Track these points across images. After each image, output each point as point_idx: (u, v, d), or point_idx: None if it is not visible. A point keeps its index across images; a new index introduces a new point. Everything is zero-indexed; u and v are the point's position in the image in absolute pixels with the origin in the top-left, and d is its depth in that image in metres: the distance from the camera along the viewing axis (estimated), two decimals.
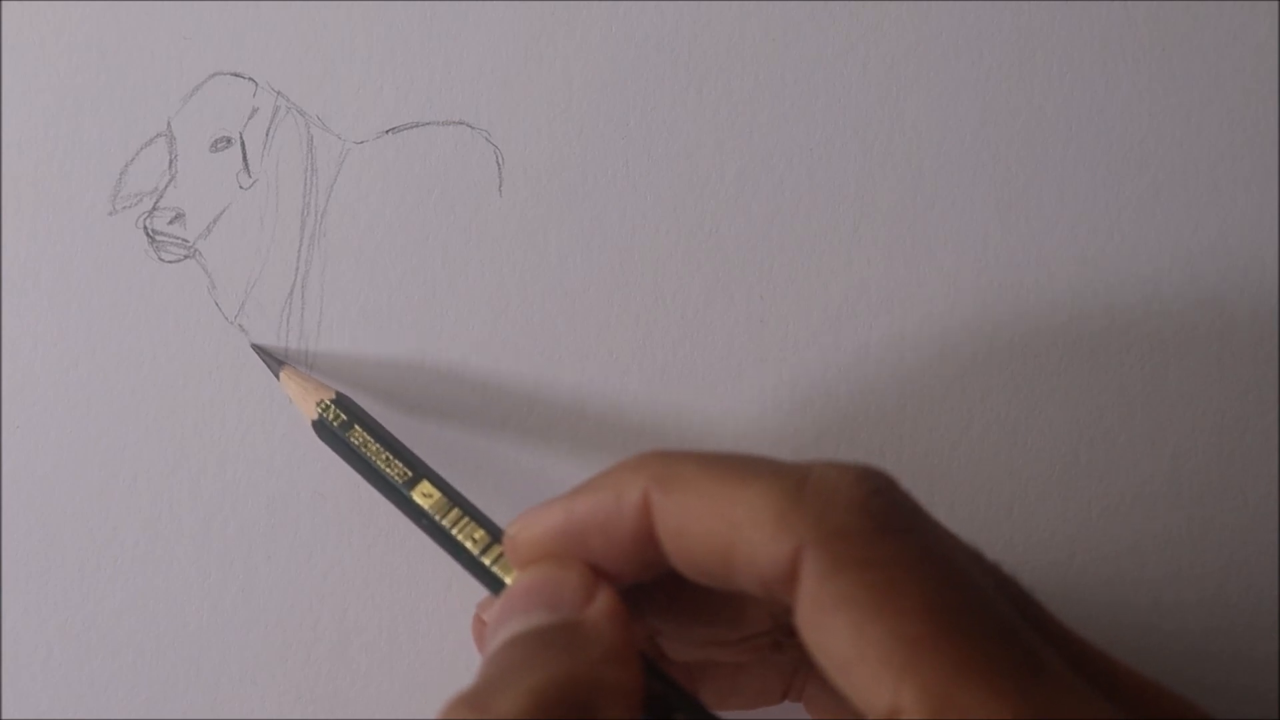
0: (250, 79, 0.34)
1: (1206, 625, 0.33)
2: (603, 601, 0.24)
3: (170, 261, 0.34)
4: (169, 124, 0.34)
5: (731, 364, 0.33)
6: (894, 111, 0.34)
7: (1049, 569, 0.33)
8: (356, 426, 0.30)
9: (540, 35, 0.34)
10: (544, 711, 0.21)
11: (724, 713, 0.26)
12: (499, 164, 0.34)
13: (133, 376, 0.33)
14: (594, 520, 0.24)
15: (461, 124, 0.34)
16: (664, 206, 0.34)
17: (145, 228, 0.34)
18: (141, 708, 0.33)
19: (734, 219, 0.34)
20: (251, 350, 0.33)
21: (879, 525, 0.21)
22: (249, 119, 0.34)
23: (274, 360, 0.33)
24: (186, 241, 0.34)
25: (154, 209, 0.34)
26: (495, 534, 0.27)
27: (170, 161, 0.34)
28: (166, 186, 0.34)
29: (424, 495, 0.28)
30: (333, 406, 0.30)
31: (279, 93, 0.34)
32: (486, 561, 0.27)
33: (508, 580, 0.26)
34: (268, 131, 0.34)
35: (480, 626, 0.29)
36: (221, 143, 0.34)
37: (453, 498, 0.28)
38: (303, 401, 0.31)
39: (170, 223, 0.34)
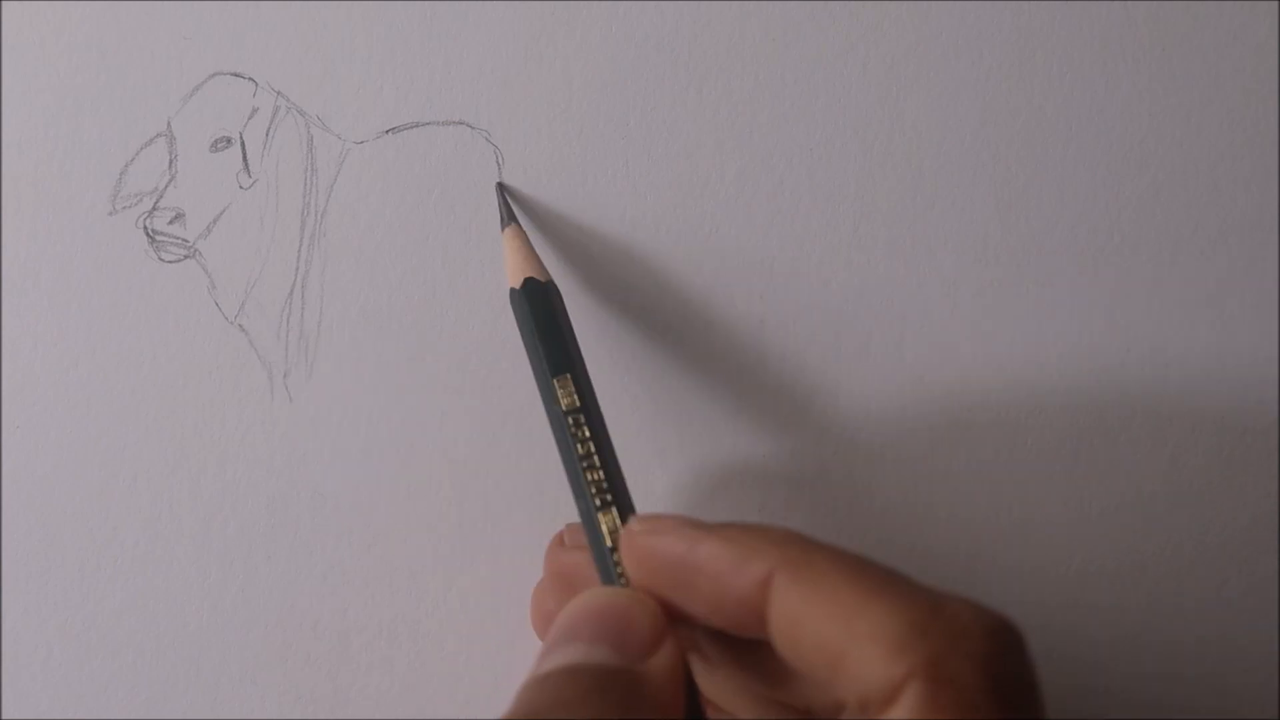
0: (250, 79, 0.34)
1: (1206, 625, 0.33)
2: (665, 656, 0.24)
3: (170, 261, 0.34)
4: (169, 124, 0.34)
5: (732, 364, 0.33)
6: (894, 111, 0.34)
7: (1049, 569, 0.33)
8: (558, 319, 0.30)
9: (540, 35, 0.34)
10: None
11: None
12: (499, 164, 0.34)
13: (133, 376, 0.33)
14: (712, 568, 0.24)
15: (461, 124, 0.34)
16: (664, 206, 0.34)
17: (145, 228, 0.34)
18: (141, 708, 0.33)
19: (734, 219, 0.34)
20: (251, 350, 0.33)
21: (993, 688, 0.21)
22: (249, 119, 0.34)
23: (508, 212, 0.32)
24: (186, 241, 0.34)
25: (154, 209, 0.34)
26: (623, 504, 0.27)
27: (170, 161, 0.34)
28: (166, 186, 0.34)
29: (578, 425, 0.28)
30: (551, 287, 0.30)
31: (279, 93, 0.34)
32: (604, 529, 0.27)
33: (608, 542, 0.26)
34: (268, 131, 0.34)
35: (559, 548, 0.30)
36: (221, 143, 0.34)
37: (604, 447, 0.28)
38: (518, 266, 0.30)
39: (170, 223, 0.34)
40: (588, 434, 0.28)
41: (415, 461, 0.33)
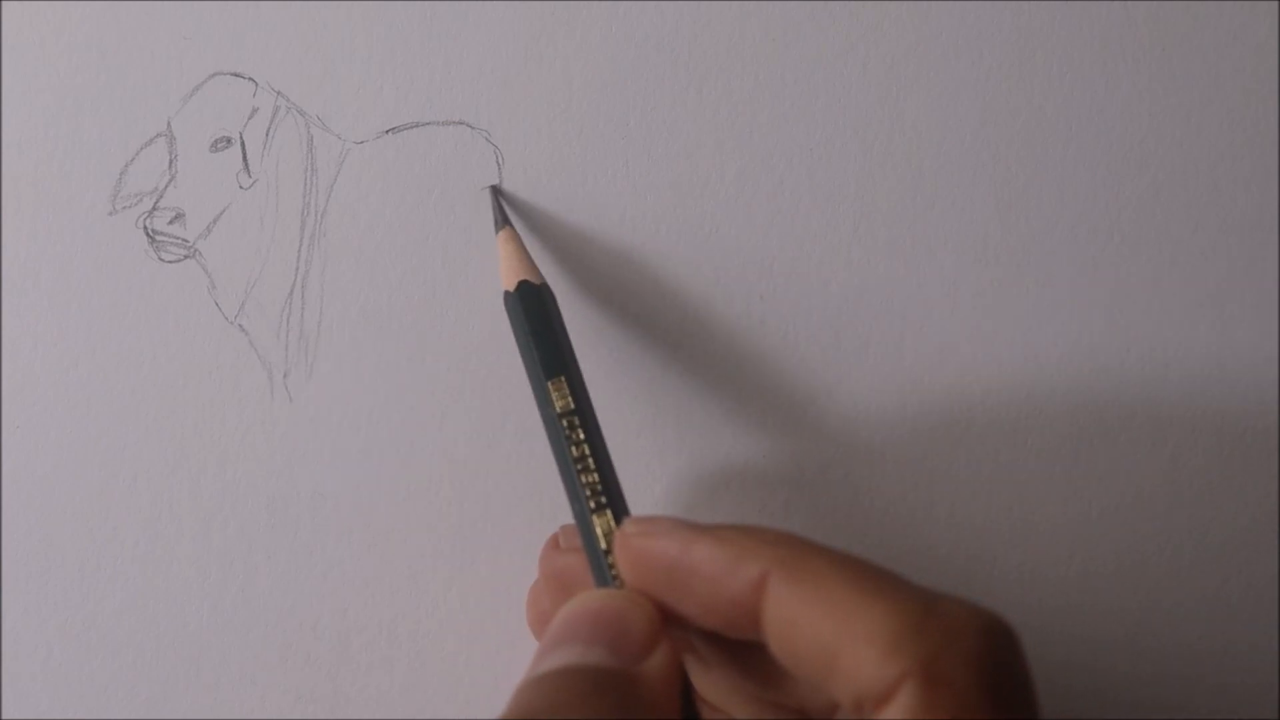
0: (250, 79, 0.34)
1: (1206, 625, 0.33)
2: (661, 658, 0.24)
3: (170, 261, 0.34)
4: (169, 124, 0.34)
5: (732, 364, 0.33)
6: (894, 111, 0.34)
7: (1049, 569, 0.33)
8: (552, 321, 0.30)
9: (540, 35, 0.34)
10: None
11: None
12: (499, 164, 0.34)
13: (133, 376, 0.33)
14: (706, 570, 0.24)
15: (461, 124, 0.34)
16: (664, 206, 0.34)
17: (145, 228, 0.34)
18: (141, 708, 0.33)
19: (734, 219, 0.34)
20: (251, 350, 0.33)
21: (988, 687, 0.21)
22: (249, 119, 0.34)
23: (501, 215, 0.32)
24: (186, 241, 0.34)
25: (154, 209, 0.34)
26: (617, 506, 0.27)
27: (170, 161, 0.34)
28: (166, 186, 0.34)
29: (573, 427, 0.28)
30: (545, 290, 0.30)
31: (279, 93, 0.34)
32: (598, 532, 0.27)
33: (603, 544, 0.26)
34: (268, 131, 0.34)
35: (553, 549, 0.30)
36: (221, 143, 0.34)
37: (598, 449, 0.28)
38: (511, 269, 0.30)
39: (170, 223, 0.34)
40: (582, 436, 0.28)
41: (415, 461, 0.33)
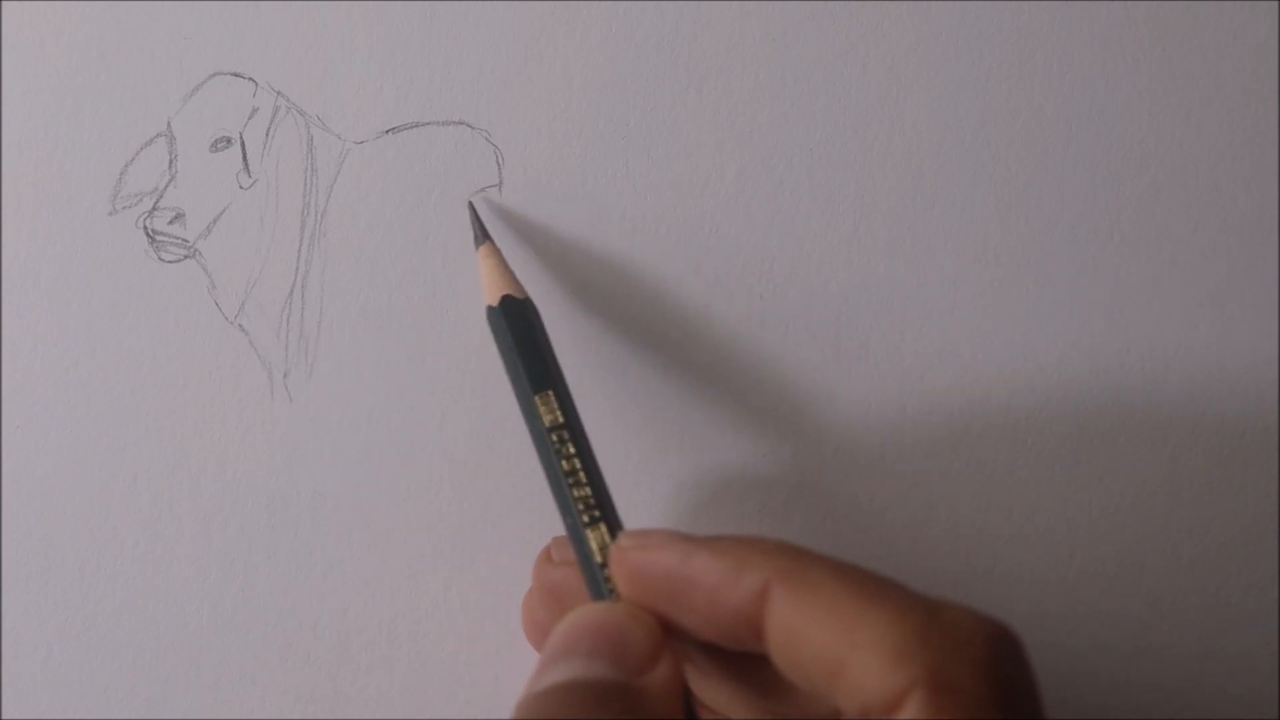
0: (250, 79, 0.34)
1: (1206, 625, 0.33)
2: (664, 670, 0.24)
3: (170, 261, 0.34)
4: (169, 124, 0.34)
5: (732, 364, 0.33)
6: (894, 111, 0.34)
7: (1049, 569, 0.33)
8: (536, 336, 0.29)
9: (540, 35, 0.34)
10: None
11: None
12: (499, 164, 0.34)
13: (133, 376, 0.33)
14: (705, 581, 0.24)
15: (461, 124, 0.34)
16: (664, 206, 0.34)
17: (145, 228, 0.34)
18: (141, 708, 0.33)
19: (734, 219, 0.34)
20: (251, 350, 0.33)
21: (996, 695, 0.21)
22: (249, 119, 0.34)
23: (481, 230, 0.32)
24: (186, 241, 0.34)
25: (154, 209, 0.34)
26: (611, 519, 0.27)
27: (170, 161, 0.34)
28: (166, 186, 0.34)
29: (562, 441, 0.28)
30: (528, 304, 0.30)
31: (279, 93, 0.34)
32: (593, 545, 0.27)
33: (598, 558, 0.26)
34: (268, 131, 0.34)
35: (546, 563, 0.29)
36: (221, 143, 0.34)
37: (589, 462, 0.28)
38: (494, 284, 0.30)
39: (170, 223, 0.34)
40: (572, 450, 0.28)
41: (415, 461, 0.33)
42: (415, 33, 0.34)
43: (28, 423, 0.33)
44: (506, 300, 0.30)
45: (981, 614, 0.22)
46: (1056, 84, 0.34)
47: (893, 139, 0.34)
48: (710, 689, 0.27)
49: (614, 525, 0.27)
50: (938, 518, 0.33)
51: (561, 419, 0.28)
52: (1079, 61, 0.34)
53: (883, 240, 0.34)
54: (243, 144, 0.34)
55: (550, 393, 0.28)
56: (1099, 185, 0.34)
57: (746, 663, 0.25)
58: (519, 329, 0.29)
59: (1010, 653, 0.22)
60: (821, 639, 0.22)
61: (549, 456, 0.28)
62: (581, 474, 0.27)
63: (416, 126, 0.34)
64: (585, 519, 0.27)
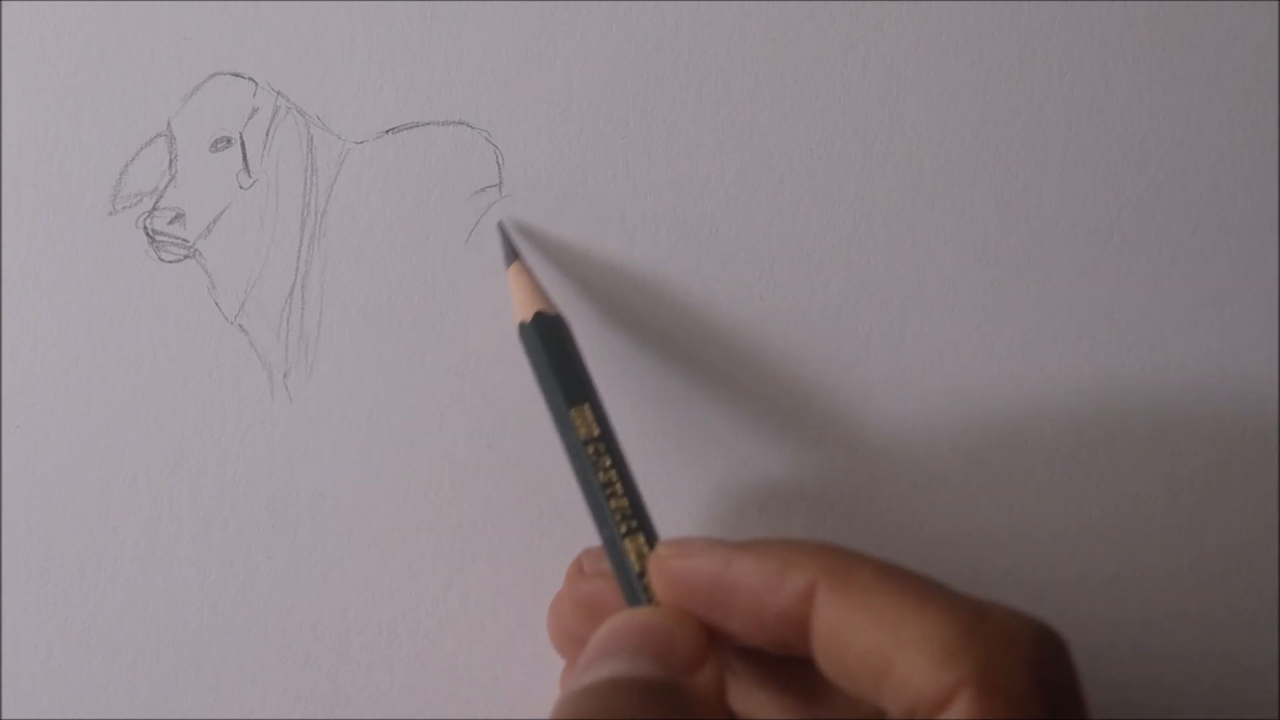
0: (250, 79, 0.34)
1: (1207, 627, 0.33)
2: (710, 673, 0.24)
3: (170, 261, 0.34)
4: (169, 124, 0.34)
5: (731, 364, 0.33)
6: (894, 111, 0.34)
7: (1049, 569, 0.33)
8: (569, 351, 0.29)
9: (540, 35, 0.34)
10: None
11: None
12: (499, 164, 0.34)
13: (133, 376, 0.33)
14: (749, 583, 0.24)
15: (461, 124, 0.34)
16: (664, 206, 0.34)
17: (145, 228, 0.34)
18: (141, 708, 0.33)
19: (734, 219, 0.34)
20: (251, 350, 0.33)
21: (1043, 695, 0.21)
22: (249, 119, 0.34)
23: (510, 249, 0.32)
24: (186, 241, 0.34)
25: (154, 209, 0.34)
26: (648, 529, 0.27)
27: (170, 161, 0.34)
28: (166, 186, 0.34)
29: (599, 454, 0.28)
30: (560, 320, 0.30)
31: (279, 93, 0.34)
32: (631, 556, 0.26)
33: (636, 568, 0.26)
34: (268, 131, 0.34)
35: (578, 575, 0.29)
36: (221, 143, 0.34)
37: (624, 473, 0.28)
38: (526, 301, 0.30)
39: (170, 223, 0.34)
40: (609, 463, 0.28)
41: (415, 461, 0.33)
42: (415, 33, 0.34)
43: (28, 423, 0.33)
44: (539, 317, 0.30)
45: (1028, 615, 0.22)
46: (1056, 84, 0.34)
47: (893, 139, 0.34)
48: (749, 698, 0.27)
49: (651, 535, 0.27)
50: (937, 518, 0.33)
51: (596, 432, 0.28)
52: (1079, 61, 0.34)
53: (883, 240, 0.34)
54: (243, 144, 0.34)
55: (586, 406, 0.28)
56: (1099, 185, 0.34)
57: (786, 670, 0.25)
58: (552, 345, 0.29)
59: (1056, 654, 0.22)
60: (868, 639, 0.22)
61: (585, 470, 0.28)
62: (618, 485, 0.27)
63: (416, 126, 0.34)
64: (623, 529, 0.27)
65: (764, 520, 0.33)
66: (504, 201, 0.34)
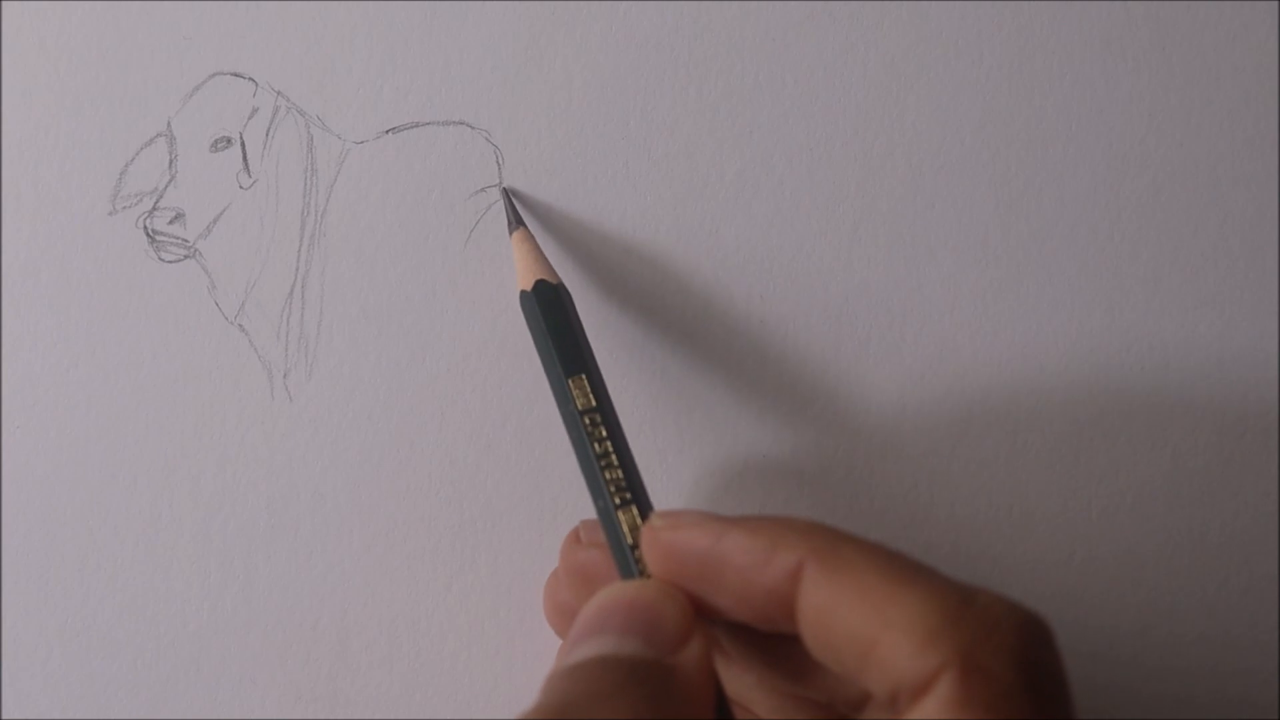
0: (250, 79, 0.34)
1: (1206, 625, 0.33)
2: (696, 648, 0.24)
3: (170, 261, 0.34)
4: (169, 124, 0.34)
5: (731, 364, 0.33)
6: (894, 111, 0.34)
7: (1049, 569, 0.33)
8: (570, 320, 0.30)
9: (540, 35, 0.34)
10: None
11: None
12: (499, 164, 0.34)
13: (133, 376, 0.33)
14: (738, 560, 0.24)
15: (461, 124, 0.34)
16: (664, 206, 0.34)
17: (145, 228, 0.34)
18: (141, 708, 0.33)
19: (734, 219, 0.34)
20: (251, 350, 0.33)
21: (1026, 681, 0.21)
22: (249, 119, 0.34)
23: (515, 216, 0.32)
24: (186, 241, 0.34)
25: (154, 209, 0.34)
26: (642, 501, 0.27)
27: (170, 161, 0.34)
28: (166, 186, 0.34)
29: (594, 424, 0.28)
30: (562, 289, 0.30)
31: (279, 93, 0.34)
32: (624, 527, 0.27)
33: (629, 539, 0.26)
34: (268, 131, 0.34)
35: (575, 543, 0.29)
36: (221, 143, 0.34)
37: (620, 445, 0.28)
38: (528, 269, 0.30)
39: (170, 223, 0.34)
40: (604, 433, 0.28)
41: (415, 461, 0.33)
42: (415, 33, 0.34)
43: (28, 423, 0.33)
44: (540, 285, 0.30)
45: (1013, 601, 0.22)
46: (1056, 84, 0.34)
47: (893, 139, 0.34)
48: (735, 677, 0.27)
49: (645, 507, 0.27)
50: (938, 517, 0.33)
51: (594, 403, 0.28)
52: (1079, 61, 0.34)
53: (883, 240, 0.34)
54: (243, 144, 0.34)
55: (583, 376, 0.28)
56: (1099, 185, 0.34)
57: (772, 646, 0.25)
58: (552, 314, 0.29)
59: (1041, 640, 0.22)
60: (853, 619, 0.22)
61: (581, 439, 0.28)
62: (613, 456, 0.27)
63: (416, 126, 0.34)
64: (616, 500, 0.27)
65: (760, 507, 0.33)
66: (502, 202, 0.34)
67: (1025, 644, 0.21)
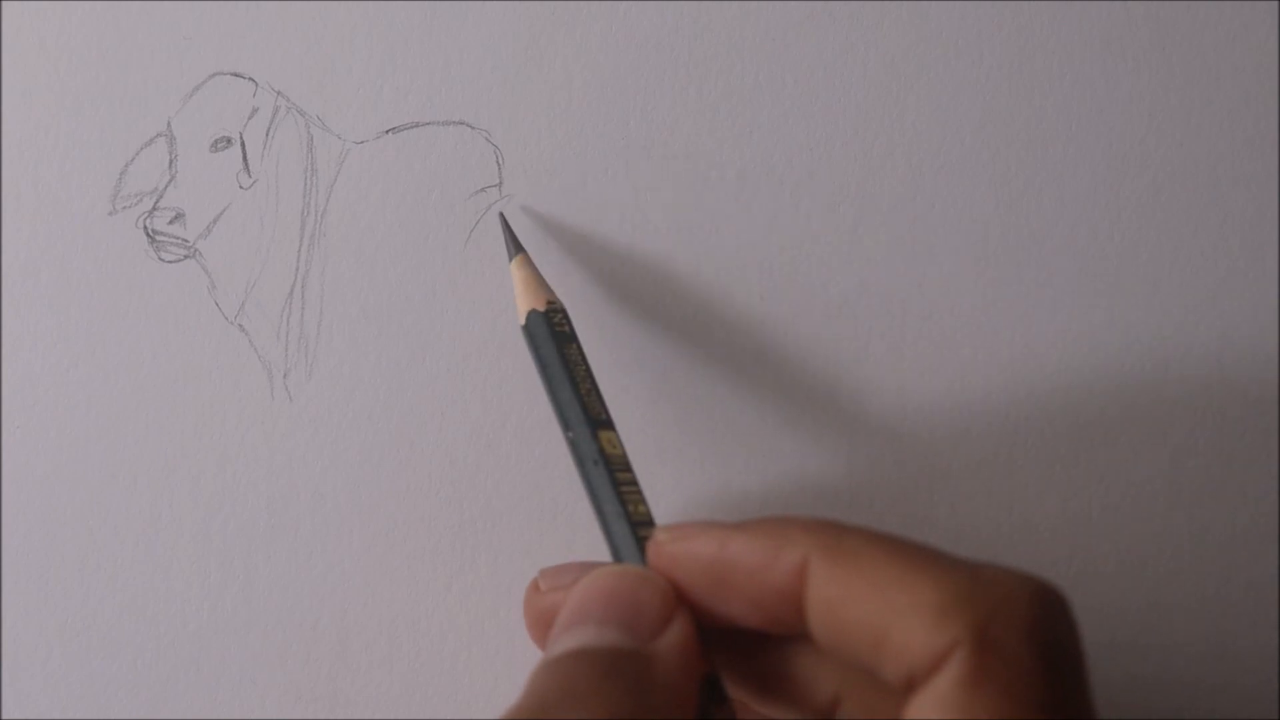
0: (250, 79, 0.34)
1: (1206, 625, 0.33)
2: (676, 634, 0.24)
3: (170, 261, 0.34)
4: (169, 124, 0.34)
5: (731, 364, 0.33)
6: (894, 111, 0.34)
7: (1049, 569, 0.33)
8: (575, 344, 0.29)
9: (540, 35, 0.34)
10: None
11: None
12: (499, 164, 0.34)
13: (133, 376, 0.33)
14: (745, 562, 0.24)
15: (461, 124, 0.34)
16: (664, 206, 0.34)
17: (145, 228, 0.34)
18: (141, 708, 0.33)
19: (734, 219, 0.34)
20: (251, 350, 0.33)
21: (1040, 654, 0.21)
22: (249, 119, 0.34)
23: (513, 241, 0.32)
24: (186, 241, 0.34)
25: (154, 209, 0.34)
26: (646, 519, 0.27)
27: (170, 161, 0.34)
28: (166, 186, 0.34)
29: (609, 443, 0.28)
30: (560, 313, 0.30)
31: (279, 93, 0.34)
32: (624, 519, 0.27)
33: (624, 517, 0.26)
34: (268, 131, 0.34)
35: (535, 594, 0.29)
36: (221, 143, 0.34)
37: (625, 461, 0.28)
38: (528, 294, 0.30)
39: (170, 223, 0.34)
40: (611, 443, 0.28)
41: (415, 461, 0.33)
42: (415, 33, 0.34)
43: (28, 423, 0.33)
44: (544, 310, 0.30)
45: (1025, 573, 0.22)
46: (1056, 84, 0.34)
47: (893, 139, 0.34)
48: (751, 698, 0.27)
49: (647, 519, 0.27)
50: (938, 517, 0.33)
51: (604, 416, 0.28)
52: (1079, 61, 0.34)
53: (883, 240, 0.34)
54: (243, 144, 0.34)
55: (590, 397, 0.28)
56: (1099, 185, 0.34)
57: (787, 659, 0.25)
58: (557, 337, 0.29)
59: (1056, 611, 0.22)
60: (863, 608, 0.22)
61: (586, 449, 0.28)
62: (619, 463, 0.28)
63: (416, 126, 0.34)
64: (621, 508, 0.27)
65: (760, 508, 0.33)
66: (504, 202, 0.34)
67: (1038, 615, 0.21)
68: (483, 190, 0.34)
